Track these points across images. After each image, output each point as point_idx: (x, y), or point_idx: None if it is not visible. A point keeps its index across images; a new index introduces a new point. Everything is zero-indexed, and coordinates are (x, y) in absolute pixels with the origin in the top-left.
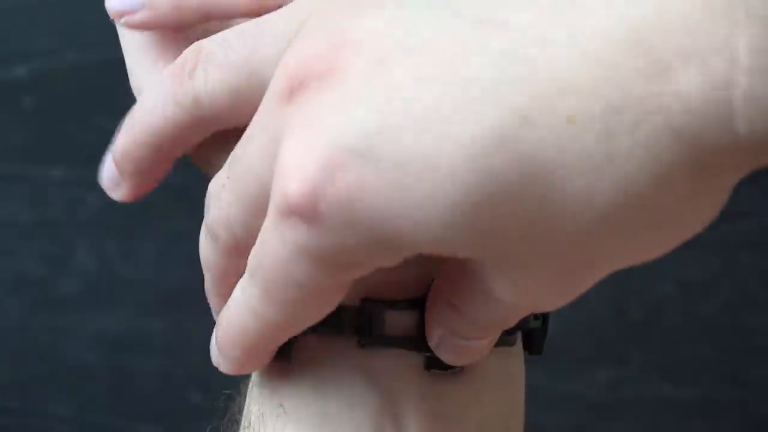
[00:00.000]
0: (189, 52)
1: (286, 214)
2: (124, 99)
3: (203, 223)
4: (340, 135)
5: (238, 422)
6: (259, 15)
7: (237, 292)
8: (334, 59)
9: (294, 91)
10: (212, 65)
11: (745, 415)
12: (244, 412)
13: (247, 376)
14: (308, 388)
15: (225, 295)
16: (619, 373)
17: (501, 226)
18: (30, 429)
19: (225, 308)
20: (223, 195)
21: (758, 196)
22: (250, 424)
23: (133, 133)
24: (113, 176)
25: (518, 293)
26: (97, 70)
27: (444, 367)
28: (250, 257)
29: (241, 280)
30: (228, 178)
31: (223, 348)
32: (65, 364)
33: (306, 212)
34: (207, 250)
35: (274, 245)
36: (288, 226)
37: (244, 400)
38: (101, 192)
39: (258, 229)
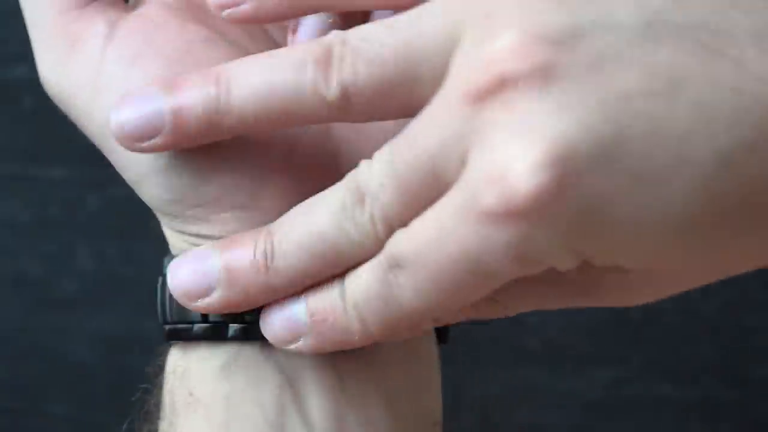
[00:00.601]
0: (332, 42)
1: (504, 214)
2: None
3: (331, 210)
4: (573, 140)
5: (152, 415)
6: (391, 9)
7: (367, 281)
8: (545, 57)
9: (493, 89)
10: (361, 59)
11: (745, 415)
12: (162, 404)
13: (162, 371)
14: (215, 373)
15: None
16: (619, 373)
17: (722, 247)
18: (30, 429)
19: (331, 295)
20: (381, 186)
21: None
22: (165, 416)
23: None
24: None
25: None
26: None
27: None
28: (394, 246)
29: (368, 268)
30: (389, 173)
31: (331, 330)
32: (65, 364)
33: (532, 214)
34: (345, 236)
35: (466, 239)
36: (501, 224)
37: (162, 393)
38: (101, 192)
39: (404, 220)
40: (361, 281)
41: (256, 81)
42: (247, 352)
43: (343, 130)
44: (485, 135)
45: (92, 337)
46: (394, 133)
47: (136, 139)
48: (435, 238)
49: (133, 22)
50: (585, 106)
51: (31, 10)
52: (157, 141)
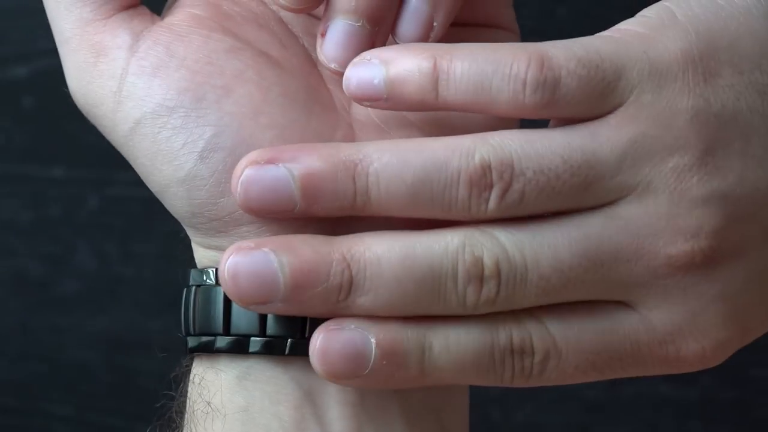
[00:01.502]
0: (496, 163)
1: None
2: None
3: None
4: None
5: (174, 422)
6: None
7: (466, 345)
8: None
9: (708, 259)
10: (535, 192)
11: (745, 415)
12: (184, 412)
13: (185, 378)
14: (234, 386)
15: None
16: None
17: None
18: (30, 429)
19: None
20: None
21: None
22: (186, 423)
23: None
24: None
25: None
26: None
27: None
28: (536, 330)
29: (475, 333)
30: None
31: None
32: (65, 364)
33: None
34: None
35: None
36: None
37: (186, 401)
38: (101, 192)
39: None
40: (459, 341)
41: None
42: (263, 365)
43: (367, 140)
44: (672, 295)
45: (92, 337)
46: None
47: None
48: (596, 341)
49: (156, 33)
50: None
51: (56, 22)
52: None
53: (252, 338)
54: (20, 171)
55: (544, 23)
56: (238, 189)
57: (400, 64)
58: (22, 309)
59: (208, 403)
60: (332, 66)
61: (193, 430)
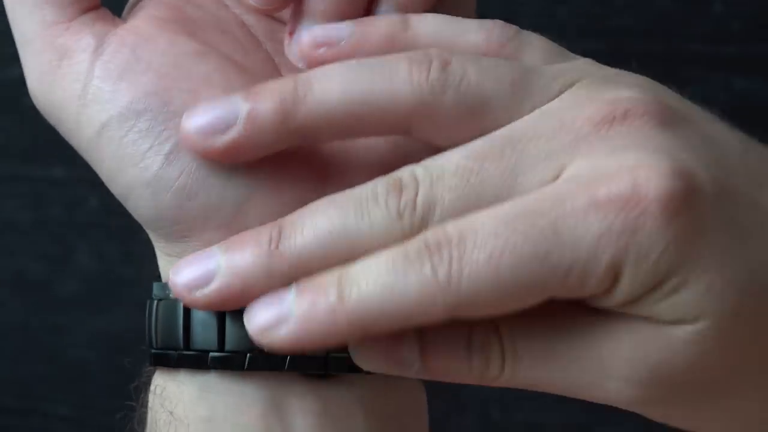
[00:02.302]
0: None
1: (627, 201)
2: None
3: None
4: (695, 169)
5: None
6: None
7: (378, 269)
8: (666, 111)
9: (618, 119)
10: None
11: None
12: (145, 422)
13: (146, 388)
14: (195, 397)
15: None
16: None
17: None
18: (30, 429)
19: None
20: (432, 176)
21: None
22: None
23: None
24: None
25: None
26: None
27: (323, 375)
28: (440, 230)
29: (385, 256)
30: (471, 178)
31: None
32: (65, 364)
33: (655, 210)
34: (366, 222)
35: (577, 230)
36: (614, 211)
37: (146, 412)
38: (101, 192)
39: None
40: (370, 269)
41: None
42: (224, 378)
43: (330, 148)
44: (600, 146)
45: (92, 337)
46: (384, 152)
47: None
48: (510, 221)
49: (121, 35)
50: (700, 153)
51: (18, 24)
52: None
53: (211, 354)
54: (20, 171)
55: (544, 23)
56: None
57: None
58: (22, 309)
59: (171, 413)
60: (300, 65)
61: None
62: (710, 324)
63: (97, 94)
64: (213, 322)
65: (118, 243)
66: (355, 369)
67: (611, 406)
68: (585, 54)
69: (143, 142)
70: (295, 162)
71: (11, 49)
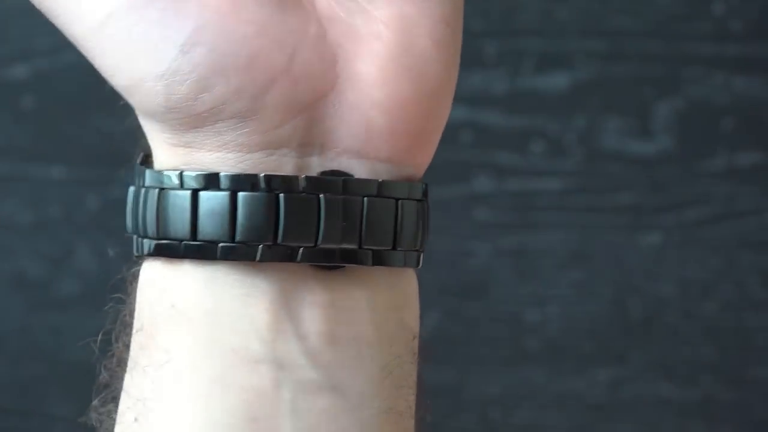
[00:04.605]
0: None
1: None
2: (125, 99)
3: None
4: None
5: (129, 326)
6: None
7: None
8: None
9: None
10: None
11: (745, 415)
12: (136, 315)
13: (135, 279)
14: (200, 288)
15: None
16: (619, 373)
17: None
18: (30, 429)
19: None
20: None
21: (758, 196)
22: (142, 327)
23: None
24: None
25: None
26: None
27: (331, 266)
28: None
29: None
30: None
31: None
32: (65, 364)
33: None
34: None
35: None
36: None
37: (135, 303)
38: (101, 192)
39: None
40: None
41: None
42: (232, 268)
43: (337, 37)
44: None
45: (92, 337)
46: (387, 38)
47: None
48: None
49: None
50: None
51: None
52: None
53: (221, 244)
54: (20, 171)
55: (544, 23)
56: None
57: None
58: (22, 309)
59: (172, 305)
60: None
61: (153, 333)
62: None
63: None
64: (224, 212)
65: (118, 243)
66: (365, 262)
67: (611, 406)
68: (585, 54)
69: (154, 32)
70: (306, 49)
71: (11, 49)
